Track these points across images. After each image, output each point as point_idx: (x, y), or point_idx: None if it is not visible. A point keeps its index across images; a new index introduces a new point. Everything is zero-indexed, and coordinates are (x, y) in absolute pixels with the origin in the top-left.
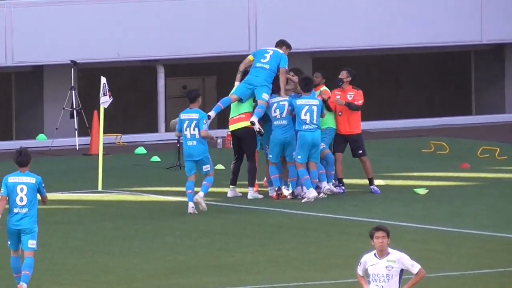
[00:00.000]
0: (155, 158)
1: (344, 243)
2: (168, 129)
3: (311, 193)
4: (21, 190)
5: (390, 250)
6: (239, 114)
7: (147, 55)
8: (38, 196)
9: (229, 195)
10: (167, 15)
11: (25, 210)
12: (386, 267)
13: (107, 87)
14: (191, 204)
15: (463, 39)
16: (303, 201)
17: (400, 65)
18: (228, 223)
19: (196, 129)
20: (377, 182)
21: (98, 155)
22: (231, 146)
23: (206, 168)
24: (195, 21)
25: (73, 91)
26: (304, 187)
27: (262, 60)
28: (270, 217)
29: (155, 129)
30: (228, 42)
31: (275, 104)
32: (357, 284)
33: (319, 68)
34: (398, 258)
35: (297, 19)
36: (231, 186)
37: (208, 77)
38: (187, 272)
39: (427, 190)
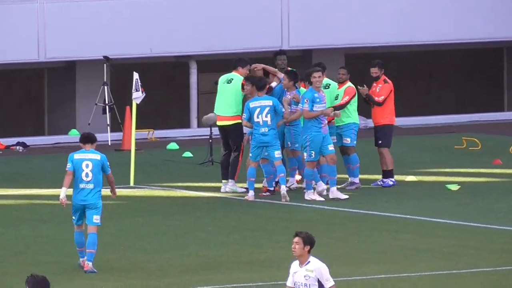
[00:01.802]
0: (187, 154)
1: (375, 239)
2: (200, 124)
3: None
4: (87, 166)
5: (311, 258)
6: (233, 116)
7: (180, 50)
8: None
9: (222, 190)
10: (200, 11)
11: (90, 186)
12: (304, 276)
13: (139, 83)
14: (251, 192)
15: (496, 35)
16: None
17: (433, 61)
18: (259, 219)
19: (269, 115)
20: (409, 178)
21: (130, 150)
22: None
23: (278, 154)
24: (227, 17)
25: (105, 87)
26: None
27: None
28: (301, 213)
29: (187, 125)
30: (260, 38)
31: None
32: (388, 279)
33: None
34: (316, 268)
35: (330, 15)
36: (223, 181)
37: None
38: (218, 268)
39: (459, 186)
